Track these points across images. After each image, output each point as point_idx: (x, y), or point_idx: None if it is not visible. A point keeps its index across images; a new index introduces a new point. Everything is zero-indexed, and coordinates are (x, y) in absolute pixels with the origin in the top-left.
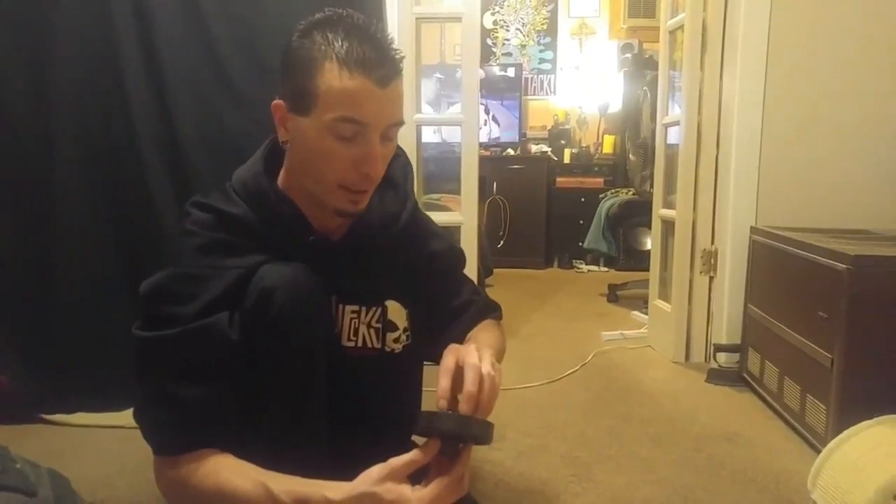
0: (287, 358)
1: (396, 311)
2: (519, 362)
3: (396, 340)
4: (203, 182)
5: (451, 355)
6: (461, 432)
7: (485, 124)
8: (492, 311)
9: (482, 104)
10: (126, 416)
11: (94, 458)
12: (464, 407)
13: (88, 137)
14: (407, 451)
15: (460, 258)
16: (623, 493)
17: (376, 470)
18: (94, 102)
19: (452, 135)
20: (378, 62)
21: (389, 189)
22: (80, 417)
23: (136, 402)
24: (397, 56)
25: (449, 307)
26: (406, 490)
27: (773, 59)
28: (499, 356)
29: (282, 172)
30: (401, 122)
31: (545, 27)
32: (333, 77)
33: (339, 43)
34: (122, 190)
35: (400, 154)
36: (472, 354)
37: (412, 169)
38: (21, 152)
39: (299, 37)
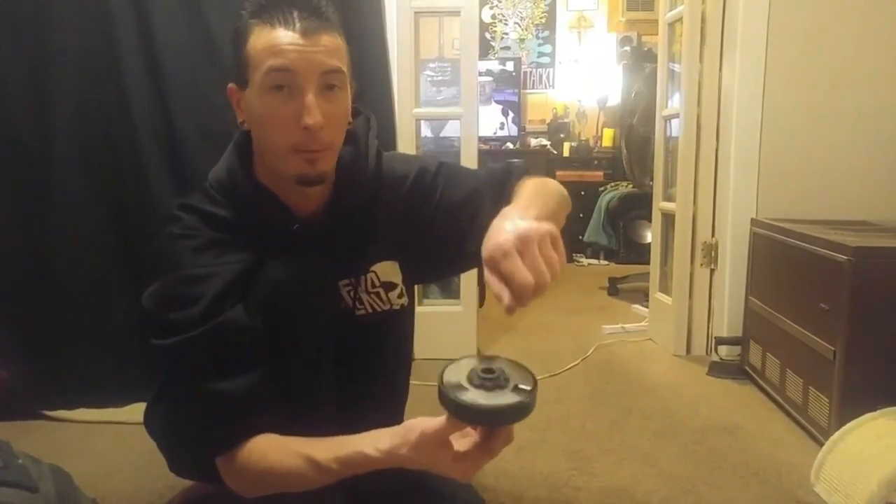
0: (298, 346)
1: (388, 270)
2: (519, 356)
3: (400, 296)
4: (202, 178)
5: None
6: (490, 422)
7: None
8: (506, 182)
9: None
10: (127, 413)
11: (95, 454)
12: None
13: (87, 133)
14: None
15: (440, 170)
16: (624, 487)
17: (416, 433)
18: (93, 99)
19: (455, 131)
20: (301, 15)
21: (349, 144)
22: (82, 413)
23: (172, 414)
24: (324, 10)
25: (476, 212)
26: (445, 458)
27: (772, 50)
28: (553, 205)
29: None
30: (336, 70)
31: (543, 21)
32: (258, 37)
33: (266, 10)
34: (121, 186)
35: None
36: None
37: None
38: (20, 148)
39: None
